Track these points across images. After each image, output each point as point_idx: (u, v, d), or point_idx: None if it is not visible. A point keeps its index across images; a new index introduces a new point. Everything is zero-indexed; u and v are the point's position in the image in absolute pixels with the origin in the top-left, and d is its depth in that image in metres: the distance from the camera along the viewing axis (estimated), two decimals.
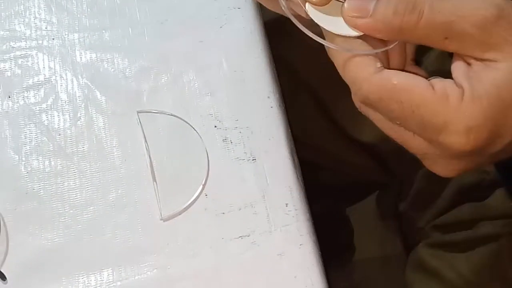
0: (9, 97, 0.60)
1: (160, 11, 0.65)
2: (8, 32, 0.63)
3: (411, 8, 0.36)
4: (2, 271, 0.52)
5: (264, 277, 0.54)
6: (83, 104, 0.60)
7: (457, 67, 0.38)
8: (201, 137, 0.59)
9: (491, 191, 0.72)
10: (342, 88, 0.78)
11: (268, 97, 0.61)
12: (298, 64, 0.79)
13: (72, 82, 0.61)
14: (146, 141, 0.58)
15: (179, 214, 0.55)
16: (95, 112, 0.60)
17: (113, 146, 0.58)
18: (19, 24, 0.64)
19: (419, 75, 0.39)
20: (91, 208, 0.56)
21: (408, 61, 0.43)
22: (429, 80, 0.38)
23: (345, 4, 0.39)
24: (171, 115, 0.60)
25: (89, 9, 0.65)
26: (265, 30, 0.66)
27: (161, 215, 0.55)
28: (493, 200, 0.71)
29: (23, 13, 0.64)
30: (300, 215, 0.56)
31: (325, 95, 0.78)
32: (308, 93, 0.78)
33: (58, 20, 0.64)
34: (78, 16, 0.65)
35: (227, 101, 0.61)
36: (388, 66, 0.42)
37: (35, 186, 0.56)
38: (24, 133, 0.59)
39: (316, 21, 0.40)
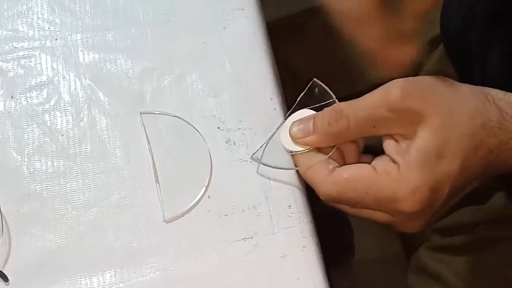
0: (12, 97, 0.60)
1: (164, 11, 0.65)
2: (10, 32, 0.63)
3: (339, 116, 0.46)
4: (4, 272, 0.52)
5: (267, 279, 0.53)
6: (86, 104, 0.60)
7: (388, 145, 0.46)
8: (204, 139, 0.59)
9: (491, 195, 0.72)
10: (346, 92, 0.78)
11: (271, 98, 0.61)
12: (301, 66, 0.79)
13: (75, 82, 0.61)
14: (149, 142, 0.58)
15: (182, 216, 0.55)
16: (98, 113, 0.60)
17: (116, 147, 0.58)
18: (22, 24, 0.64)
19: (365, 162, 0.48)
20: (94, 209, 0.56)
21: (360, 152, 0.52)
22: (371, 163, 0.47)
23: (290, 131, 0.52)
24: (174, 116, 0.60)
25: (92, 10, 0.65)
26: (268, 31, 0.66)
27: (164, 217, 0.55)
28: (493, 203, 0.71)
29: (26, 13, 0.64)
30: (303, 217, 0.56)
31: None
32: None
33: (61, 21, 0.64)
34: (81, 16, 0.64)
35: (230, 103, 0.61)
36: (344, 163, 0.51)
37: (37, 187, 0.56)
38: (27, 134, 0.59)
39: (285, 147, 0.54)
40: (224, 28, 0.65)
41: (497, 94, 0.46)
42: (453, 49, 0.73)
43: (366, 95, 0.45)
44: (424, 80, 0.46)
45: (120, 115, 0.60)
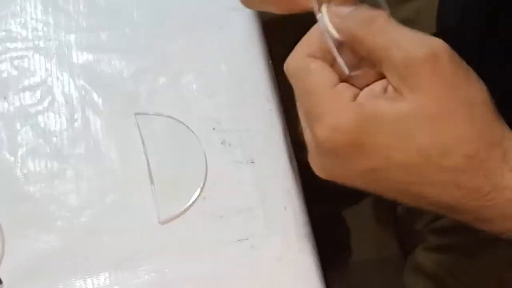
0: (5, 98, 0.60)
1: (159, 11, 0.65)
2: (4, 33, 0.63)
3: (367, 21, 0.39)
4: None
5: (263, 281, 0.53)
6: (80, 105, 0.60)
7: (374, 85, 0.39)
8: (199, 140, 0.58)
9: None
10: None
11: (268, 99, 0.60)
12: None
13: (69, 83, 0.61)
14: (143, 143, 0.58)
15: (177, 217, 0.55)
16: (92, 113, 0.59)
17: (111, 148, 0.58)
18: (15, 24, 0.63)
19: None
20: (88, 211, 0.55)
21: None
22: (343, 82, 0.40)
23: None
24: (169, 117, 0.59)
25: (86, 10, 0.64)
26: (264, 31, 0.66)
27: (159, 218, 0.55)
28: None
29: (20, 14, 0.64)
30: (299, 219, 0.56)
31: None
32: None
33: (54, 21, 0.64)
34: (75, 16, 0.64)
35: (226, 103, 0.60)
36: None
37: (31, 188, 0.56)
38: (20, 135, 0.58)
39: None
40: (220, 28, 0.64)
41: None
42: (450, 45, 0.73)
43: (406, 30, 0.38)
44: (460, 72, 0.39)
45: (115, 116, 0.59)
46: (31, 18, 0.64)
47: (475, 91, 0.39)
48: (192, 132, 0.58)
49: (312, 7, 0.44)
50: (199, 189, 0.56)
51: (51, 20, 0.64)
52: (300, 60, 0.40)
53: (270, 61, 0.64)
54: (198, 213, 0.55)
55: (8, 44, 0.62)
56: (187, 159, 0.57)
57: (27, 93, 0.60)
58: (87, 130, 0.58)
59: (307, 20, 0.84)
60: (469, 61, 0.67)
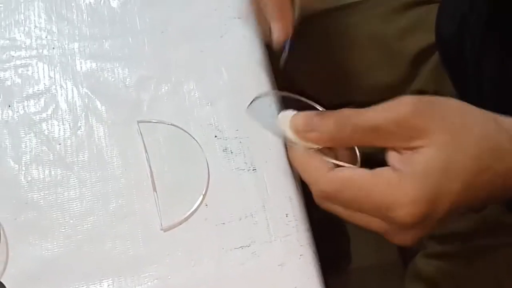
0: (9, 106, 0.60)
1: (161, 20, 0.65)
2: (8, 41, 0.63)
3: (346, 122, 0.45)
4: (2, 281, 0.52)
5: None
6: (83, 113, 0.60)
7: (391, 156, 0.45)
8: (201, 147, 0.59)
9: None
10: (340, 99, 0.78)
11: (269, 107, 0.61)
12: (297, 75, 0.80)
13: (72, 91, 0.61)
14: (146, 151, 0.58)
15: (180, 224, 0.55)
16: (95, 121, 0.60)
17: (113, 156, 0.58)
18: (19, 33, 0.64)
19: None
20: (91, 218, 0.56)
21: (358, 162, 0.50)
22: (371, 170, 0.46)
23: (292, 121, 0.48)
24: (171, 124, 0.60)
25: (89, 18, 0.65)
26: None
27: (161, 225, 0.55)
28: (489, 211, 0.72)
29: (24, 22, 0.64)
30: (300, 225, 0.56)
31: (323, 106, 0.78)
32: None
33: (58, 29, 0.64)
34: (79, 25, 0.65)
35: (227, 111, 0.61)
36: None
37: (35, 196, 0.56)
38: (24, 143, 0.59)
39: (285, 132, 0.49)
40: (221, 37, 0.65)
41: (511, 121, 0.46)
42: (448, 56, 0.73)
43: (376, 106, 0.45)
44: (436, 101, 0.45)
45: (118, 124, 0.60)
46: (35, 27, 0.64)
47: (453, 107, 0.45)
48: (194, 139, 0.59)
49: None
50: (201, 196, 0.56)
51: (54, 29, 0.64)
52: (331, 178, 0.46)
53: (271, 69, 0.64)
54: (200, 220, 0.56)
55: (12, 53, 0.63)
56: (189, 167, 0.58)
57: (31, 101, 0.61)
58: (91, 137, 0.59)
59: (306, 29, 0.85)
60: (466, 72, 0.68)
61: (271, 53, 0.66)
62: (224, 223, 0.56)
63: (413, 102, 0.43)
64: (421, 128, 0.43)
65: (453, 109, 0.45)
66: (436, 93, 0.74)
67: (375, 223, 0.46)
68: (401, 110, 0.43)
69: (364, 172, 0.45)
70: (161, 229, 0.55)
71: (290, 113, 0.50)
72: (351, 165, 0.47)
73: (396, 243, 0.47)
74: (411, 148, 0.43)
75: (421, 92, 0.75)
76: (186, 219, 0.56)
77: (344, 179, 0.45)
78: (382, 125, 0.43)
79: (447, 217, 0.45)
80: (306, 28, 0.84)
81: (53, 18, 0.65)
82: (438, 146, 0.43)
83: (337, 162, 0.48)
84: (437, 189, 0.43)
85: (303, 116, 0.48)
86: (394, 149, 0.45)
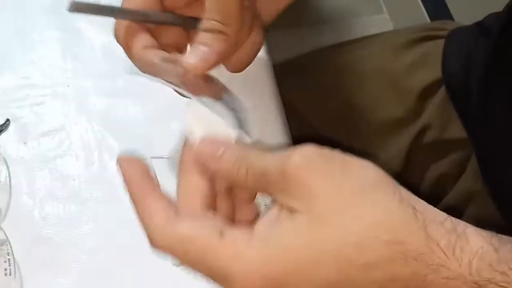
0: (25, 143, 0.61)
1: None
2: (23, 80, 0.65)
3: (242, 163, 0.38)
4: None
5: None
6: (97, 150, 0.61)
7: (268, 214, 0.38)
8: None
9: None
10: (347, 132, 0.79)
11: (278, 140, 0.62)
12: (305, 106, 0.81)
13: (86, 128, 0.62)
14: (159, 186, 0.59)
15: None
16: (108, 158, 0.61)
17: (127, 192, 0.59)
18: (34, 72, 0.65)
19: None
20: (105, 253, 0.57)
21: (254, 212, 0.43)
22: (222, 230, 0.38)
23: (197, 144, 0.41)
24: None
25: (102, 57, 0.67)
26: (275, 74, 0.68)
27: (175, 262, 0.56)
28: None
29: (38, 61, 0.66)
30: None
31: (331, 138, 0.79)
32: (314, 136, 0.79)
33: (73, 68, 0.66)
34: (92, 63, 0.66)
35: None
36: (232, 217, 0.42)
37: (49, 231, 0.57)
38: (39, 179, 0.60)
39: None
40: (231, 73, 0.66)
41: (436, 217, 0.35)
42: (454, 91, 0.74)
43: (280, 151, 0.38)
44: (337, 160, 0.37)
45: None
46: (50, 65, 0.66)
47: (362, 176, 0.36)
48: None
49: None
50: None
51: (69, 67, 0.66)
52: (165, 232, 0.39)
53: (282, 105, 0.65)
54: None
55: (28, 91, 0.64)
56: None
57: (46, 138, 0.62)
58: (104, 173, 0.60)
59: (314, 63, 0.86)
60: (473, 104, 0.69)
61: (280, 87, 0.67)
62: None
63: (307, 153, 0.36)
64: (302, 184, 0.35)
65: (359, 178, 0.36)
66: (443, 127, 0.75)
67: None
68: (290, 158, 0.36)
69: (207, 230, 0.37)
70: (174, 265, 0.56)
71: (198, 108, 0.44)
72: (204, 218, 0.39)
73: None
74: (289, 208, 0.36)
75: (427, 126, 0.76)
76: None
77: (178, 236, 0.38)
78: (270, 171, 0.37)
79: None
80: (316, 60, 0.86)
81: (67, 57, 0.66)
82: (312, 217, 0.35)
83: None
84: (280, 269, 0.35)
85: (210, 144, 0.41)
86: (278, 203, 0.37)
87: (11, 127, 0.62)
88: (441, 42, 0.77)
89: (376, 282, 0.35)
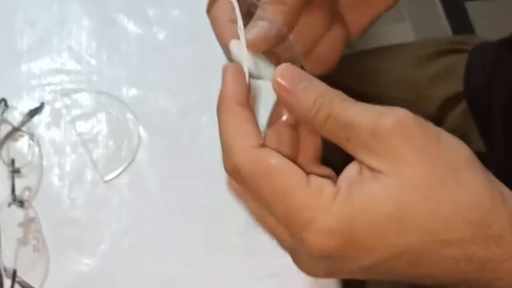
0: (57, 127, 0.64)
1: (204, 54, 0.68)
2: (59, 66, 0.67)
3: (323, 105, 0.35)
4: None
5: None
6: (126, 138, 0.63)
7: (348, 170, 0.36)
8: None
9: None
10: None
11: None
12: None
13: (117, 116, 0.64)
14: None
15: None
16: (137, 146, 0.63)
17: (152, 182, 0.61)
18: (70, 59, 0.67)
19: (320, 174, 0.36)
20: (129, 237, 0.59)
21: (318, 157, 0.41)
22: (309, 173, 0.36)
23: (275, 76, 0.36)
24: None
25: (136, 48, 0.68)
26: None
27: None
28: None
29: (75, 49, 0.68)
30: None
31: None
32: None
33: (107, 57, 0.68)
34: (126, 54, 0.68)
35: None
36: (296, 157, 0.39)
37: (77, 213, 0.59)
38: (69, 162, 0.62)
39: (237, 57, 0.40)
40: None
41: None
42: (475, 105, 0.76)
43: (370, 105, 0.35)
44: (433, 131, 0.35)
45: (157, 151, 0.63)
46: (86, 53, 0.68)
47: (456, 153, 0.35)
48: None
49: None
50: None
51: (104, 56, 0.68)
52: (256, 156, 0.35)
53: None
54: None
55: (63, 76, 0.66)
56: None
57: (78, 123, 0.64)
58: (132, 161, 0.62)
59: (345, 65, 0.87)
60: (495, 120, 0.70)
61: None
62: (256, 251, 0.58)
63: (405, 116, 0.34)
64: (394, 148, 0.34)
65: (453, 155, 0.35)
66: (462, 139, 0.76)
67: (281, 235, 0.37)
68: (386, 118, 0.34)
69: (297, 171, 0.35)
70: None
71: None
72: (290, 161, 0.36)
73: (299, 269, 0.38)
74: (372, 169, 0.34)
75: None
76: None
77: (268, 166, 0.35)
78: (359, 126, 0.34)
79: (380, 269, 0.35)
80: (338, 67, 0.87)
81: (103, 47, 0.68)
82: (402, 183, 0.34)
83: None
84: (372, 230, 0.34)
85: (294, 71, 0.37)
86: (358, 161, 0.35)
87: (45, 110, 0.64)
88: (465, 56, 0.78)
89: (451, 259, 0.34)
